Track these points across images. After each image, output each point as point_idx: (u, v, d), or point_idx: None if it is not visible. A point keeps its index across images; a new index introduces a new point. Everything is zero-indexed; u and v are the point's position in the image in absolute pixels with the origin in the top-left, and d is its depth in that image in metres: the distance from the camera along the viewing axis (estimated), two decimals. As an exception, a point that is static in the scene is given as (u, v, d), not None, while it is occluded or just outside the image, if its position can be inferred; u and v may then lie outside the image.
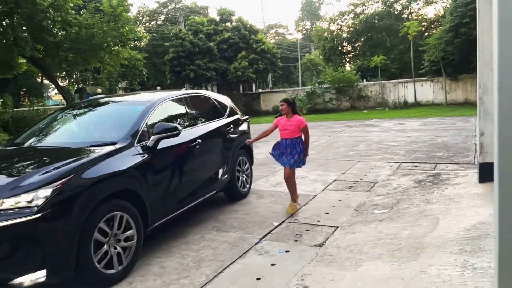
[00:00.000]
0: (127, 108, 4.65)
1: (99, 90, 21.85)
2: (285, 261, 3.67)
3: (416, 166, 7.19)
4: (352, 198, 5.55)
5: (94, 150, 3.66)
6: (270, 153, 5.28)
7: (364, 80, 28.46)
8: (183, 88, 32.88)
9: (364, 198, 5.50)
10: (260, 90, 33.89)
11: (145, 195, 3.74)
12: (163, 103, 4.60)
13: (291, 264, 3.60)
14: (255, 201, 5.69)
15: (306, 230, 4.43)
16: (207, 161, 4.99)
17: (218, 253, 3.93)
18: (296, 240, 4.16)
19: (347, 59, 33.86)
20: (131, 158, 3.72)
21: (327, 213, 4.97)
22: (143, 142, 3.92)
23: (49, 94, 41.14)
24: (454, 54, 19.89)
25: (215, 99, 5.94)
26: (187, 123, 4.87)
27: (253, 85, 32.63)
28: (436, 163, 7.26)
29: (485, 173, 5.07)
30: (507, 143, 1.64)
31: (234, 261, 3.73)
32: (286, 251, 3.89)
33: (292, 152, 4.98)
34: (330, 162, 8.15)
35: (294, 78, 49.83)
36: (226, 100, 6.26)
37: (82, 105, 5.19)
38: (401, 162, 7.61)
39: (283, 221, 4.74)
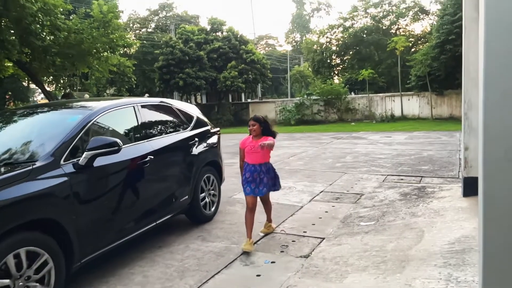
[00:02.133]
0: (61, 118, 4.00)
1: (87, 96, 21.70)
2: (270, 272, 3.65)
3: (402, 179, 7.25)
4: (339, 210, 5.56)
5: (2, 170, 3.07)
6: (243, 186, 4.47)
7: (352, 93, 28.82)
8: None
9: (350, 210, 5.52)
10: (249, 100, 34.04)
11: (70, 226, 3.13)
12: (107, 113, 3.98)
13: (276, 275, 3.58)
14: (241, 211, 5.63)
15: (292, 241, 4.41)
16: (160, 180, 4.40)
17: (202, 263, 3.88)
18: (282, 251, 4.14)
19: (336, 72, 34.23)
20: (53, 180, 3.09)
21: (314, 224, 4.97)
22: (75, 160, 3.34)
23: (35, 99, 40.57)
24: (440, 70, 20.28)
25: (178, 109, 5.29)
26: (137, 136, 4.27)
27: (242, 94, 32.73)
28: (422, 177, 7.33)
29: (470, 187, 5.13)
30: (491, 157, 1.67)
31: (219, 272, 3.69)
32: (272, 262, 3.86)
33: (266, 178, 4.34)
34: (317, 173, 8.17)
35: (283, 89, 50.14)
36: (192, 109, 5.70)
37: (11, 113, 4.49)
38: (388, 175, 7.67)
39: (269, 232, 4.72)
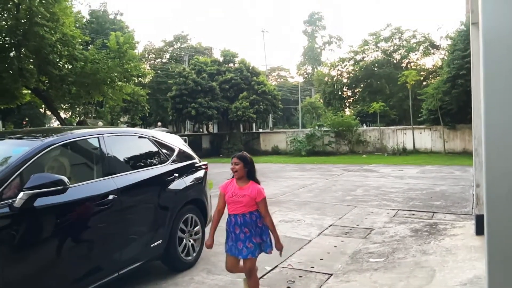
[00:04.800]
0: (5, 149, 3.45)
1: (101, 123, 22.08)
2: (275, 309, 3.55)
3: (413, 214, 7.12)
4: (348, 245, 5.45)
5: None
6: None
7: (364, 125, 28.79)
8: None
9: (359, 245, 5.40)
10: (260, 130, 34.25)
11: None
12: (62, 144, 3.49)
13: (281, 312, 3.48)
14: (249, 244, 5.57)
15: (299, 277, 4.31)
16: (125, 224, 3.78)
17: (206, 297, 3.81)
18: (288, 287, 4.05)
19: (347, 104, 34.40)
20: None
21: (322, 259, 4.87)
22: (10, 200, 2.84)
23: (51, 125, 41.50)
24: (452, 104, 20.21)
25: (155, 141, 4.65)
26: (98, 172, 3.72)
27: (254, 124, 32.97)
28: (434, 212, 7.19)
29: (482, 225, 4.99)
30: (495, 196, 1.64)
31: (222, 307, 3.61)
32: (277, 298, 3.77)
33: (247, 234, 3.35)
34: (327, 206, 8.07)
35: (294, 120, 50.40)
36: (174, 141, 5.12)
37: None
38: (399, 210, 7.54)
39: (276, 266, 4.63)
